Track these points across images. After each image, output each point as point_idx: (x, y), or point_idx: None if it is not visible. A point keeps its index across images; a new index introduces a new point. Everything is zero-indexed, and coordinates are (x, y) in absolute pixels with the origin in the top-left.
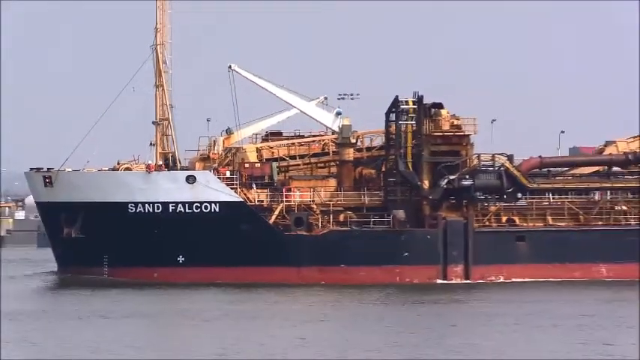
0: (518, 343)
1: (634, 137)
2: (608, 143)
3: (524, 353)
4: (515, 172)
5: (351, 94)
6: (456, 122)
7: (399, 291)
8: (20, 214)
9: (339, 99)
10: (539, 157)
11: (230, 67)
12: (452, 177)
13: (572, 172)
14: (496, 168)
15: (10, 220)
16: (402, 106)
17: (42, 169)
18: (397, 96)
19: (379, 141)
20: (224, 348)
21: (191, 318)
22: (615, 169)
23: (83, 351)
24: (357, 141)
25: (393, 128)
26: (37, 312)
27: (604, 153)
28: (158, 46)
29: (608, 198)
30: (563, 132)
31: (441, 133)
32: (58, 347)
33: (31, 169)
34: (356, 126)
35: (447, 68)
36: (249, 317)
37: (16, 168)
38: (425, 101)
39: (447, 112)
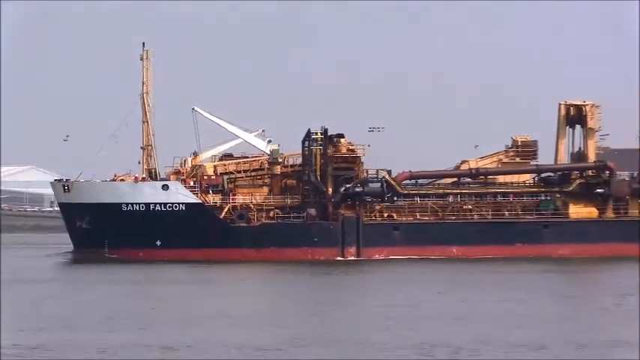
0: (408, 294)
1: (482, 157)
2: (463, 162)
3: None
4: (393, 182)
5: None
6: (351, 147)
7: (311, 266)
8: None
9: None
10: (410, 171)
11: (193, 108)
12: (348, 185)
13: (437, 182)
14: (379, 179)
15: None
16: (313, 136)
17: (62, 179)
18: (309, 129)
19: (298, 160)
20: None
21: (172, 282)
22: (467, 179)
23: (117, 304)
24: (283, 160)
25: (307, 151)
26: (71, 279)
27: (460, 169)
28: (144, 94)
29: (459, 200)
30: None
31: (340, 155)
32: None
33: (55, 179)
34: (283, 149)
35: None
36: (212, 281)
37: None
38: (330, 133)
39: (345, 140)
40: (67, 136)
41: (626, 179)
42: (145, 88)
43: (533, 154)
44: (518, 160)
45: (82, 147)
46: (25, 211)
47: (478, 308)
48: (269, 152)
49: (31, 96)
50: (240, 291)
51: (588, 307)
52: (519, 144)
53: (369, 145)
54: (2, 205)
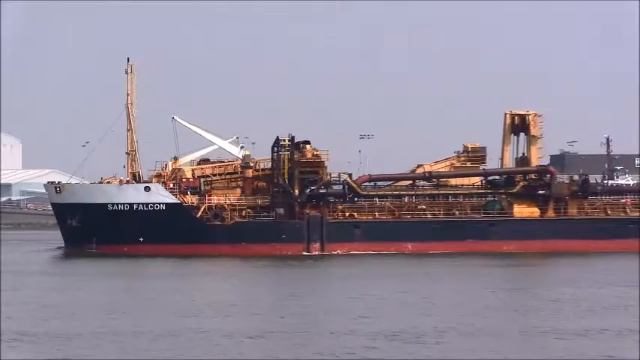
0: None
1: (436, 161)
2: (419, 165)
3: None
4: (353, 184)
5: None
6: (315, 153)
7: (279, 260)
8: None
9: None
10: (369, 174)
11: (173, 117)
12: (313, 187)
13: (395, 184)
14: (341, 181)
15: None
16: (281, 143)
17: (54, 182)
18: (278, 136)
19: (268, 164)
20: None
21: (155, 276)
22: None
23: (108, 294)
24: (254, 165)
25: (276, 157)
26: (63, 272)
27: (416, 172)
28: (129, 105)
29: (414, 200)
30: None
31: (306, 160)
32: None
33: (49, 182)
34: (254, 155)
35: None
36: (190, 274)
37: None
38: (297, 140)
39: (311, 146)
40: (87, 142)
41: (566, 182)
42: (129, 99)
43: (482, 159)
44: (468, 164)
45: (102, 152)
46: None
47: (437, 298)
48: (242, 157)
49: (50, 101)
50: (219, 283)
51: (542, 298)
52: (469, 150)
53: (359, 151)
54: (28, 205)
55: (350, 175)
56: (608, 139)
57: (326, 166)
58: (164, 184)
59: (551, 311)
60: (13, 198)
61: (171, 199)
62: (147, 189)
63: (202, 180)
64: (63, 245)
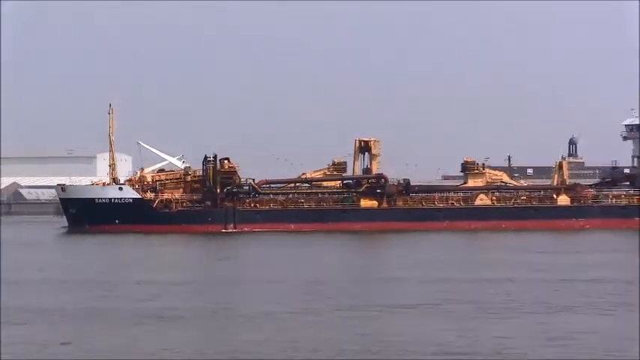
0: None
1: (315, 171)
2: (303, 173)
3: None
4: (255, 185)
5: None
6: (231, 166)
7: (207, 235)
8: None
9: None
10: (266, 179)
11: (138, 142)
12: (229, 187)
13: (286, 185)
14: (247, 184)
15: None
16: (208, 159)
17: (61, 184)
18: (206, 155)
19: (200, 172)
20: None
21: (129, 244)
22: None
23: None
24: (192, 173)
25: (205, 168)
26: (69, 244)
27: (300, 177)
28: (110, 135)
29: (296, 196)
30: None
31: (224, 170)
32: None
33: (57, 184)
34: (192, 166)
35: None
36: (151, 244)
37: None
38: (219, 157)
39: (228, 161)
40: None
41: (395, 184)
42: (110, 130)
43: (344, 169)
44: (335, 172)
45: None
46: None
47: (310, 259)
48: (184, 168)
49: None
50: (171, 250)
51: (385, 260)
52: (336, 163)
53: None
54: None
55: (253, 180)
56: (509, 157)
57: (238, 174)
58: (132, 185)
59: (393, 267)
60: None
61: (137, 195)
62: (120, 189)
63: (158, 183)
64: (67, 226)
